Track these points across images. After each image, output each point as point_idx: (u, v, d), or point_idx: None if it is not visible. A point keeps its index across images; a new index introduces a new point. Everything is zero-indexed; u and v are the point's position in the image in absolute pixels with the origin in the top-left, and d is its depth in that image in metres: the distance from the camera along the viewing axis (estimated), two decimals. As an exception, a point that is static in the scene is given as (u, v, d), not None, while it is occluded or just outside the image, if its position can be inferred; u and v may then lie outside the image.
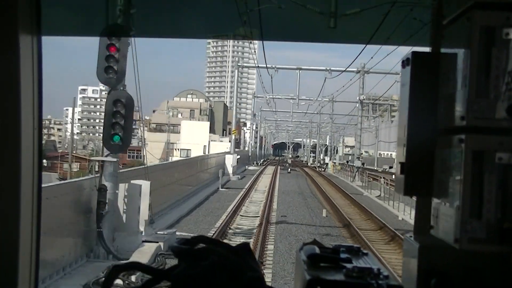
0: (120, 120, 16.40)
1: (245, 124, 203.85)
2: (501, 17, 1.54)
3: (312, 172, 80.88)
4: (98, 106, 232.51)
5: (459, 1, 1.63)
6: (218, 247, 1.48)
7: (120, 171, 19.50)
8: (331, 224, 27.33)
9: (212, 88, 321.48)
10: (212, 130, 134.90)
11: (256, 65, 58.69)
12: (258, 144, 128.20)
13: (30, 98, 1.82)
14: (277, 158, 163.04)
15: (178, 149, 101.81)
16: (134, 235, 17.94)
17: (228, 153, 62.68)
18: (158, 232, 19.87)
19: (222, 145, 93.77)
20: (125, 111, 16.55)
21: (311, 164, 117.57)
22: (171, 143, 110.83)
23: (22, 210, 1.77)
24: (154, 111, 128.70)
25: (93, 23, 4.92)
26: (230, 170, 57.26)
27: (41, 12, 1.85)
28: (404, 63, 1.82)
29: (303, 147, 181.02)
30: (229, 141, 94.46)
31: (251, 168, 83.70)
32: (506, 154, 1.55)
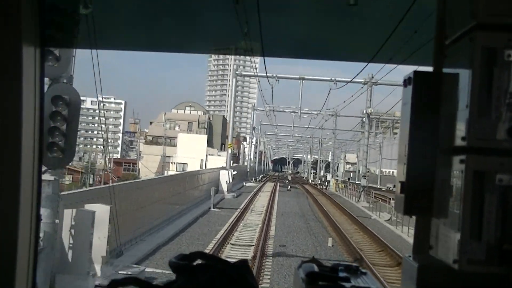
0: (61, 125, 11.76)
1: (245, 139, 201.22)
2: (503, 38, 1.55)
3: (313, 190, 76.37)
4: (96, 118, 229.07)
5: (462, 22, 1.64)
6: (216, 263, 1.50)
7: (76, 191, 14.57)
8: (339, 256, 22.60)
9: (212, 102, 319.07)
10: (210, 144, 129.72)
11: (256, 74, 54.83)
12: (257, 159, 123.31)
13: (32, 109, 1.84)
14: (276, 174, 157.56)
15: (175, 163, 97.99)
16: (83, 278, 12.98)
17: (224, 168, 57.50)
18: (120, 272, 14.87)
19: (220, 160, 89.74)
20: (68, 112, 12.24)
21: (311, 181, 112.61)
22: (168, 156, 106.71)
23: (20, 214, 1.80)
24: (151, 123, 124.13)
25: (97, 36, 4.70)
26: (224, 187, 52.40)
27: (44, 25, 1.88)
28: (406, 82, 1.80)
29: (304, 163, 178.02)
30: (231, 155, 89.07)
31: (249, 184, 78.94)
32: (507, 176, 1.55)
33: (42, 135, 1.87)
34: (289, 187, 71.18)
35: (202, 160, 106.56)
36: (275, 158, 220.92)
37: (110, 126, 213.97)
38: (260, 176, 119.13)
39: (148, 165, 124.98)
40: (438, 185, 1.71)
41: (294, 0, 4.84)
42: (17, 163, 1.76)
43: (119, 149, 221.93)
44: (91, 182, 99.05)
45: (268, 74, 49.31)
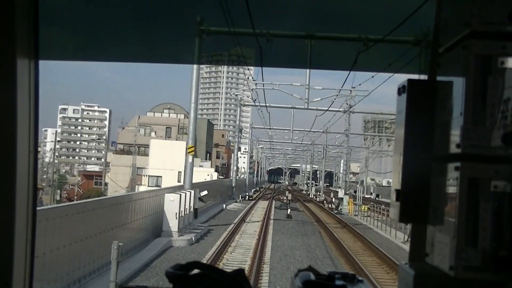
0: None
1: (239, 149, 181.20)
2: (496, 46, 1.57)
3: (322, 213, 52.37)
4: (79, 127, 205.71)
5: (455, 30, 1.66)
6: (213, 273, 1.50)
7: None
8: None
9: (205, 110, 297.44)
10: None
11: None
12: (247, 170, 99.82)
13: (27, 122, 1.89)
14: (272, 186, 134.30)
15: (147, 176, 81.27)
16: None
17: (177, 188, 33.51)
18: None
19: (202, 171, 75.38)
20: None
21: (313, 197, 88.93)
22: (140, 168, 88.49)
23: (17, 216, 1.84)
24: (123, 128, 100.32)
25: (95, 47, 4.83)
26: (172, 224, 27.71)
27: (39, 36, 1.92)
28: (400, 90, 1.81)
29: (302, 173, 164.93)
30: (214, 166, 65.86)
31: (232, 207, 54.82)
32: (502, 182, 1.55)
33: (36, 143, 1.90)
34: (288, 211, 47.58)
35: (180, 172, 79.83)
36: (270, 168, 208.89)
37: (94, 136, 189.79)
38: (252, 190, 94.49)
39: (117, 179, 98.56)
40: (433, 193, 1.72)
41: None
42: (13, 169, 1.79)
43: (103, 160, 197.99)
44: (58, 199, 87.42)
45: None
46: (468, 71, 1.56)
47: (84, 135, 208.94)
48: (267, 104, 55.57)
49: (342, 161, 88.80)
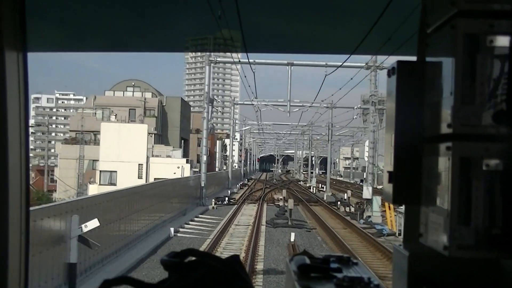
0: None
1: (228, 136, 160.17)
2: (484, 25, 1.57)
3: (348, 232, 29.54)
4: (54, 118, 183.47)
5: (443, 10, 1.65)
6: (208, 259, 1.49)
7: None
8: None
9: (192, 97, 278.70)
10: (164, 139, 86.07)
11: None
12: (230, 160, 77.59)
13: (17, 115, 1.88)
14: (263, 177, 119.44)
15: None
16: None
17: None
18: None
19: (170, 163, 59.78)
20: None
21: (313, 190, 66.27)
22: (95, 160, 67.86)
23: (10, 215, 1.83)
24: (76, 110, 79.41)
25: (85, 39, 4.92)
26: None
27: (26, 29, 1.91)
28: (390, 72, 1.83)
29: (298, 160, 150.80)
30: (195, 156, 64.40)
31: (191, 226, 31.41)
32: (493, 161, 1.56)
33: (27, 137, 1.91)
34: (292, 236, 24.90)
35: (141, 165, 64.42)
36: (262, 155, 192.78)
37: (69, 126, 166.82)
38: (239, 185, 71.74)
39: (69, 175, 74.41)
40: (425, 173, 1.73)
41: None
42: (4, 165, 1.79)
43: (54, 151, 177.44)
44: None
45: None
46: (457, 50, 1.56)
47: (60, 126, 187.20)
48: (251, 61, 37.74)
49: (366, 142, 67.12)
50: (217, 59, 53.33)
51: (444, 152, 1.59)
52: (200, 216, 37.34)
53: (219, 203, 46.59)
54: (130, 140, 61.57)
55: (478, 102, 1.55)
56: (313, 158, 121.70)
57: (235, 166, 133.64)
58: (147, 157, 62.29)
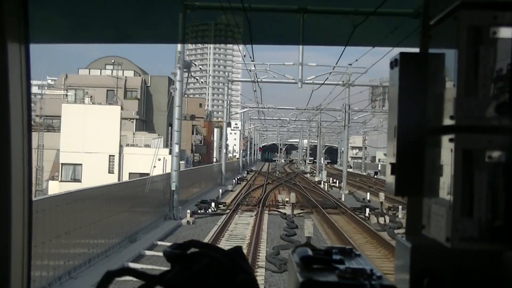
0: None
1: (229, 124, 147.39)
2: (488, 16, 1.57)
3: None
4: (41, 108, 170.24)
5: (446, 1, 1.66)
6: (211, 251, 1.49)
7: None
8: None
9: (192, 84, 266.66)
10: (149, 125, 72.33)
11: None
12: (224, 151, 64.70)
13: (19, 106, 1.88)
14: (265, 168, 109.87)
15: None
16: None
17: None
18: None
19: (149, 154, 41.76)
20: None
21: (326, 187, 52.95)
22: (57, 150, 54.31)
23: (13, 218, 1.82)
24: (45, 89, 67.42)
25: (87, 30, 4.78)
26: None
27: (29, 20, 1.90)
28: (393, 64, 1.84)
29: (303, 148, 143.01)
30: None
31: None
32: (496, 152, 1.58)
33: (30, 129, 1.92)
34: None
35: (112, 156, 51.59)
36: (264, 145, 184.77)
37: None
38: (236, 178, 58.88)
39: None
40: (428, 165, 1.74)
41: None
42: (7, 158, 1.79)
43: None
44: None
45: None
46: (460, 42, 1.57)
47: (54, 119, 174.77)
48: (246, 6, 23.00)
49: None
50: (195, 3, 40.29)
51: (447, 144, 1.60)
52: (160, 243, 23.06)
53: (201, 212, 33.09)
54: (99, 125, 49.04)
55: (481, 94, 1.55)
56: (317, 147, 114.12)
57: (235, 156, 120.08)
58: (121, 147, 49.35)
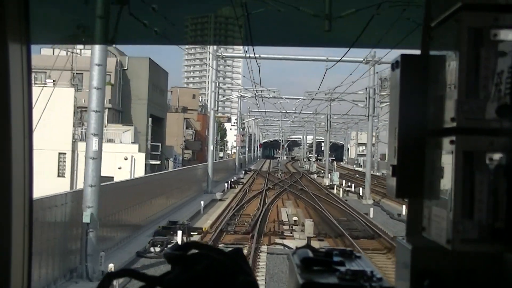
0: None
1: (229, 119, 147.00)
2: (489, 18, 1.57)
3: None
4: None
5: (447, 3, 1.66)
6: (211, 252, 1.50)
7: None
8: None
9: (191, 79, 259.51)
10: (126, 116, 59.30)
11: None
12: (211, 148, 52.36)
13: (20, 106, 1.88)
14: (265, 167, 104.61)
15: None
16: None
17: None
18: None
19: (116, 152, 37.80)
20: None
21: (342, 190, 40.47)
22: None
23: (13, 218, 1.82)
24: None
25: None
26: None
27: (29, 20, 1.91)
28: (394, 66, 1.84)
29: (307, 145, 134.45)
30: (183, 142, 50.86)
31: None
32: (497, 154, 1.57)
33: (31, 129, 1.91)
34: None
35: (62, 154, 40.37)
36: (265, 141, 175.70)
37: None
38: (229, 182, 46.42)
39: None
40: (429, 167, 1.74)
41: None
42: (8, 157, 1.79)
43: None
44: None
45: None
46: (461, 44, 1.56)
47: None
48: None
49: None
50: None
51: (447, 146, 1.59)
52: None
53: (154, 252, 19.64)
54: (46, 114, 35.81)
55: (482, 96, 1.55)
56: (322, 144, 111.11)
57: (234, 152, 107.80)
58: (74, 142, 37.60)
